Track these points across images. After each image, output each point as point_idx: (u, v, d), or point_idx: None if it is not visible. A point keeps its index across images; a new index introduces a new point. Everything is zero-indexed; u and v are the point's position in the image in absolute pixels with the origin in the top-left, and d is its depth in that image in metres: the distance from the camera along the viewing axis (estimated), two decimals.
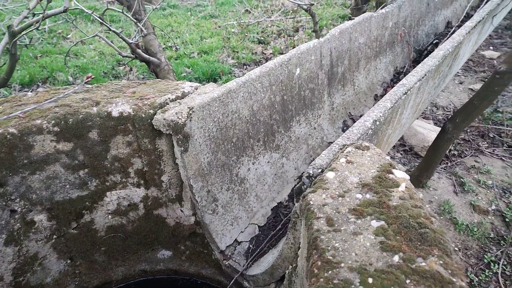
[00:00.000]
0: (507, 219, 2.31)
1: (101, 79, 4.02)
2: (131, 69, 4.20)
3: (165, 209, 1.58)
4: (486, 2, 2.48)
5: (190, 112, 1.28)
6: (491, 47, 4.75)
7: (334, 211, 0.80)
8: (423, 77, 1.52)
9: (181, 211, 1.56)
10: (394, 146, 3.08)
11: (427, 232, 0.72)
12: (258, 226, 1.62)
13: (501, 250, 2.16)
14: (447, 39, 2.14)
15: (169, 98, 1.41)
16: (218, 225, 1.50)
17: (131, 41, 2.45)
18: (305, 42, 2.40)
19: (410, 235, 0.72)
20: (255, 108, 1.58)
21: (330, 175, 0.93)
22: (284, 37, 5.05)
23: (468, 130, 3.14)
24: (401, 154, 2.97)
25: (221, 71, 4.10)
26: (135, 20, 2.48)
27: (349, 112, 2.26)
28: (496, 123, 3.18)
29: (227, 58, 4.52)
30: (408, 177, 0.93)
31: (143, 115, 1.33)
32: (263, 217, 1.66)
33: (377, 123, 1.24)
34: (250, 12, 6.21)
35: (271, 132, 1.71)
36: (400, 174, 0.93)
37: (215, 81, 3.99)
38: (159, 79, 1.69)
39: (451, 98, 3.66)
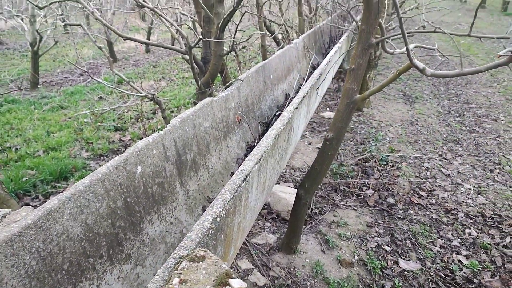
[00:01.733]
0: (368, 267, 2.49)
1: None
2: None
3: None
4: (307, 79, 2.87)
5: None
6: (328, 109, 5.51)
7: None
8: (260, 159, 1.58)
9: None
10: (262, 215, 3.14)
11: None
12: None
13: None
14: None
15: None
16: None
17: None
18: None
19: None
20: (91, 222, 1.39)
21: None
22: (142, 121, 4.96)
23: (323, 187, 3.42)
24: (270, 222, 3.03)
25: (74, 167, 3.72)
26: None
27: (207, 196, 2.22)
28: (343, 176, 3.56)
29: (81, 151, 4.16)
30: (245, 284, 0.87)
31: None
32: None
33: (218, 219, 1.19)
34: (104, 99, 6.00)
35: (117, 242, 1.52)
36: (237, 283, 0.87)
37: (66, 179, 3.58)
38: None
39: (304, 158, 4.00)
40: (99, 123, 4.81)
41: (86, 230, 1.37)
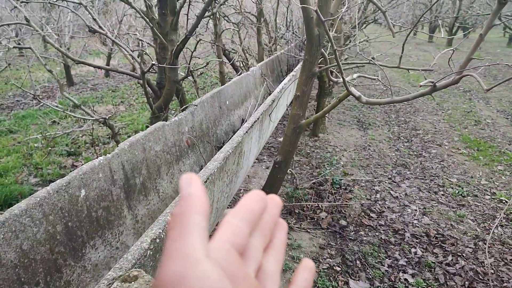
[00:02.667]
0: None
1: None
2: None
3: None
4: (259, 105, 2.97)
5: None
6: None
7: None
8: (206, 181, 1.62)
9: None
10: None
11: None
12: None
13: None
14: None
15: None
16: None
17: None
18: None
19: None
20: (27, 247, 1.35)
21: None
22: (96, 146, 4.84)
23: None
24: None
25: (20, 194, 3.55)
26: None
27: None
28: (298, 199, 3.64)
29: (28, 177, 3.98)
30: None
31: None
32: None
33: (158, 240, 1.20)
34: (58, 123, 5.81)
35: (55, 268, 1.47)
36: None
37: (11, 206, 3.39)
38: None
39: (261, 182, 4.06)
40: (50, 148, 4.64)
41: (21, 256, 1.32)
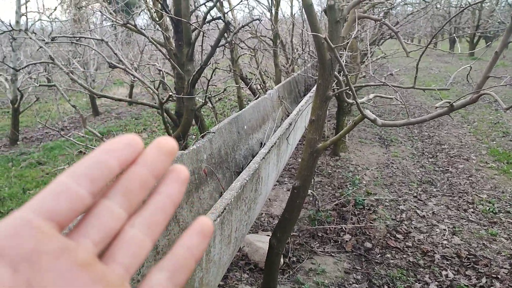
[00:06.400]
0: None
1: None
2: None
3: None
4: (275, 130, 2.98)
5: None
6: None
7: None
8: (222, 212, 1.62)
9: None
10: (240, 267, 3.09)
11: None
12: None
13: None
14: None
15: None
16: None
17: None
18: None
19: None
20: None
21: None
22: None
23: (301, 234, 3.42)
24: (247, 273, 2.99)
25: None
26: None
27: None
28: (321, 222, 3.58)
29: None
30: None
31: None
32: None
33: None
34: (84, 153, 6.00)
35: None
36: None
37: None
38: None
39: (283, 205, 4.02)
40: None
41: None
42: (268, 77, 7.34)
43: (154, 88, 3.53)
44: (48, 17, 6.38)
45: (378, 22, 3.51)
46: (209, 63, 2.67)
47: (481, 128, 6.71)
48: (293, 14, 7.79)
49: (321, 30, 2.10)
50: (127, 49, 11.73)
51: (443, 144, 5.94)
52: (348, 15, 2.10)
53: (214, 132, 2.94)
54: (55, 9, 6.29)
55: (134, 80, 9.16)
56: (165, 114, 2.89)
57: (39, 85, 2.91)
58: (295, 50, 7.75)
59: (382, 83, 1.89)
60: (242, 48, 6.24)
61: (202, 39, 2.88)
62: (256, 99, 5.34)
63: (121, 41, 11.11)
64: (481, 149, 5.64)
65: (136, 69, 3.65)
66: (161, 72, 3.95)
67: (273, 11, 6.79)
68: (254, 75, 6.41)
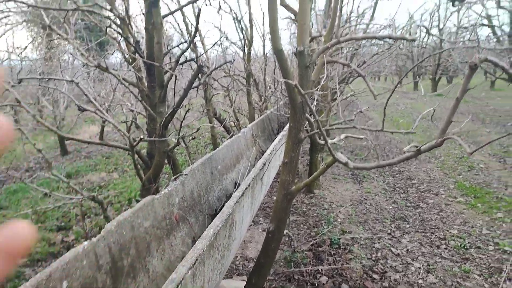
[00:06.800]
0: None
1: None
2: None
3: None
4: (250, 170, 2.96)
5: None
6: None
7: None
8: (194, 263, 1.55)
9: None
10: None
11: None
12: None
13: None
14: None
15: None
16: None
17: None
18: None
19: None
20: None
21: None
22: (89, 217, 4.73)
23: (277, 278, 3.33)
24: None
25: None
26: None
27: None
28: (297, 264, 3.50)
29: None
30: None
31: None
32: None
33: None
34: (50, 196, 5.73)
35: None
36: None
37: None
38: None
39: (258, 247, 3.93)
40: (40, 223, 4.52)
41: None
42: (242, 114, 7.41)
43: (126, 127, 3.47)
44: (18, 55, 6.26)
45: (346, 66, 3.66)
46: (181, 105, 2.66)
47: (447, 162, 6.95)
48: (265, 53, 8.01)
49: (291, 74, 2.16)
50: (100, 86, 11.63)
51: (413, 179, 6.09)
52: (317, 59, 2.17)
53: (187, 174, 2.89)
54: (25, 48, 6.18)
55: (104, 121, 9.03)
56: (136, 155, 2.82)
57: None
58: (268, 88, 7.93)
59: (352, 126, 1.93)
60: (215, 89, 6.31)
61: (175, 81, 2.89)
62: (230, 137, 5.34)
63: (93, 78, 11.03)
64: (449, 184, 5.82)
65: (108, 109, 3.59)
66: (133, 111, 3.91)
67: (246, 51, 6.98)
68: (228, 112, 6.46)
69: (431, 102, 15.55)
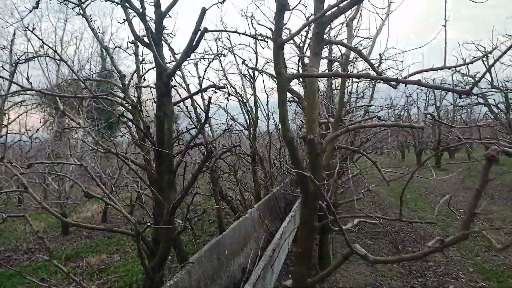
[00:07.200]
0: None
1: None
2: None
3: None
4: (260, 258, 2.82)
5: None
6: (290, 275, 5.28)
7: None
8: None
9: None
10: None
11: None
12: None
13: None
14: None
15: None
16: None
17: None
18: None
19: None
20: None
21: None
22: None
23: None
24: None
25: None
26: None
27: None
28: None
29: None
30: None
31: None
32: None
33: None
34: (48, 281, 5.43)
35: None
36: None
37: None
38: None
39: None
40: None
41: None
42: (247, 191, 7.34)
43: (131, 207, 3.40)
44: (30, 137, 6.44)
45: (356, 152, 3.70)
46: (189, 191, 2.63)
47: (463, 242, 6.65)
48: (270, 132, 8.19)
49: (301, 160, 2.15)
50: (107, 163, 11.75)
51: (429, 261, 5.78)
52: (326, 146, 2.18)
53: (194, 263, 2.75)
54: (37, 131, 6.39)
55: (108, 205, 8.96)
56: (141, 242, 2.71)
57: (7, 216, 2.73)
58: (273, 165, 7.96)
59: (367, 214, 1.87)
60: (220, 169, 6.35)
61: (185, 167, 2.90)
62: (236, 218, 5.22)
63: (100, 155, 11.22)
64: (468, 266, 5.50)
65: (112, 191, 3.56)
66: (139, 193, 3.87)
67: (251, 130, 7.15)
68: (234, 190, 6.41)
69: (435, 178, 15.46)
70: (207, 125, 5.94)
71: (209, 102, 2.55)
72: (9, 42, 10.07)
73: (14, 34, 10.14)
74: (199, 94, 5.13)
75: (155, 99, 3.20)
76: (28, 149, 10.97)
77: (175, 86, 4.45)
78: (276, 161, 8.06)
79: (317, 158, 2.03)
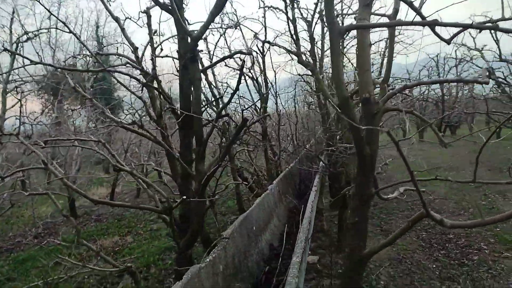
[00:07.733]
0: None
1: None
2: None
3: None
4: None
5: None
6: (309, 252, 5.20)
7: None
8: None
9: None
10: None
11: None
12: None
13: None
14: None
15: None
16: None
17: None
18: None
19: None
20: None
21: None
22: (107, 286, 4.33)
23: None
24: None
25: None
26: None
27: None
28: None
29: None
30: None
31: None
32: None
33: None
34: (61, 264, 5.33)
35: None
36: None
37: None
38: None
39: None
40: None
41: None
42: (260, 171, 7.20)
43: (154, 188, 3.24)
44: (33, 120, 6.22)
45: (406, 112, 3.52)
46: (224, 160, 2.46)
47: (479, 215, 6.57)
48: (279, 111, 7.99)
49: (358, 121, 1.98)
50: (111, 147, 11.56)
51: (448, 234, 5.70)
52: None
53: (228, 238, 2.60)
54: (42, 113, 6.17)
55: (117, 179, 8.78)
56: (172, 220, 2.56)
57: (28, 194, 2.57)
58: (280, 145, 7.79)
59: (433, 178, 1.71)
60: (238, 145, 6.18)
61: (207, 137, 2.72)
62: (255, 195, 5.08)
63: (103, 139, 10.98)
64: (488, 237, 5.42)
65: (135, 170, 3.39)
66: (159, 172, 3.69)
67: (262, 107, 6.96)
68: (247, 170, 6.27)
69: (437, 152, 15.38)
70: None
71: (243, 65, 2.35)
72: (9, 20, 9.65)
73: (13, 12, 9.73)
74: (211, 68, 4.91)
75: (177, 68, 2.99)
76: (30, 134, 10.72)
77: (202, 51, 4.22)
78: (283, 140, 7.89)
79: (373, 118, 1.85)
